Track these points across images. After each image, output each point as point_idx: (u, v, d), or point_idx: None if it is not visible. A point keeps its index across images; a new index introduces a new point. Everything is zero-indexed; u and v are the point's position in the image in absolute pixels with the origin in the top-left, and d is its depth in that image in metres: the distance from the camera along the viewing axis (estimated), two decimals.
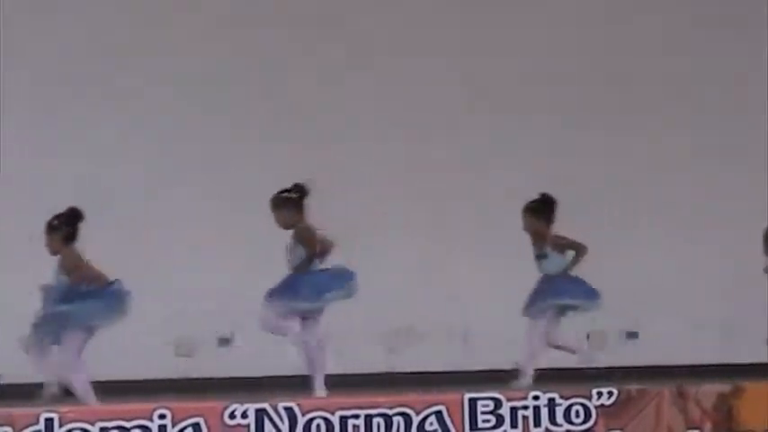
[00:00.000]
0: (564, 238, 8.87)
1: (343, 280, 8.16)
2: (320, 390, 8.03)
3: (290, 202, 8.20)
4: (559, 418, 7.00)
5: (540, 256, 8.90)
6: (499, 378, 8.59)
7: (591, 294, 8.84)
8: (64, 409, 6.28)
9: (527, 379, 8.60)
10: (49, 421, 6.15)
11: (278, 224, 8.23)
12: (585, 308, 8.92)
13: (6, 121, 9.82)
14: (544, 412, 6.98)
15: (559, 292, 8.82)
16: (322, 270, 8.20)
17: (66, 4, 10.23)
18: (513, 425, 6.88)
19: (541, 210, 8.90)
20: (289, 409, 6.57)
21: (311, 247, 8.14)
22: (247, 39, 10.41)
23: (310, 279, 8.10)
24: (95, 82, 10.12)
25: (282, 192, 8.25)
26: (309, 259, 8.15)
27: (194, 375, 9.76)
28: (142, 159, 10.14)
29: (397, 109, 10.72)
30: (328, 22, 10.63)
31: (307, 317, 8.15)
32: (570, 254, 8.90)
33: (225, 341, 10.29)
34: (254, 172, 10.15)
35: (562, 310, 8.87)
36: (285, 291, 8.13)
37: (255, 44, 10.41)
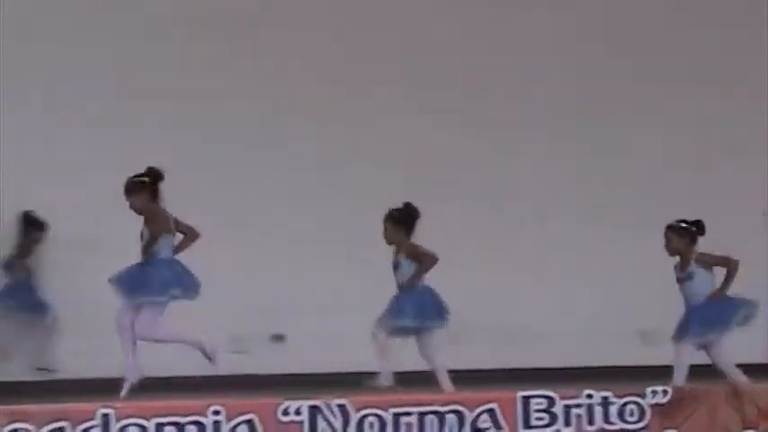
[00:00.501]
0: (417, 248, 8.48)
1: (187, 278, 7.94)
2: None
3: (142, 187, 8.00)
4: (613, 416, 6.97)
5: (395, 265, 8.56)
6: (552, 377, 8.56)
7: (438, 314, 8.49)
8: (119, 404, 6.33)
9: (384, 379, 8.36)
10: (105, 417, 6.20)
11: (132, 209, 8.02)
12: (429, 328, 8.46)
13: None
14: (598, 411, 6.95)
15: (402, 311, 8.47)
16: (170, 262, 7.97)
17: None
18: (567, 423, 6.86)
19: (402, 220, 8.58)
20: (342, 407, 6.58)
21: (156, 230, 7.89)
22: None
23: (155, 272, 7.90)
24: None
25: (135, 176, 8.06)
26: (150, 243, 7.92)
27: (249, 372, 9.82)
28: None
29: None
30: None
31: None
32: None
33: (278, 338, 10.34)
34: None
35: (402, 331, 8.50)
36: (136, 284, 7.93)
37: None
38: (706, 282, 8.46)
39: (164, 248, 8.00)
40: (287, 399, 6.55)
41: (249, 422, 6.41)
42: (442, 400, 6.78)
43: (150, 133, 10.21)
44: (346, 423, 6.55)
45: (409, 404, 6.69)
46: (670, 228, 8.61)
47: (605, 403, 6.97)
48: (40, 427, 6.09)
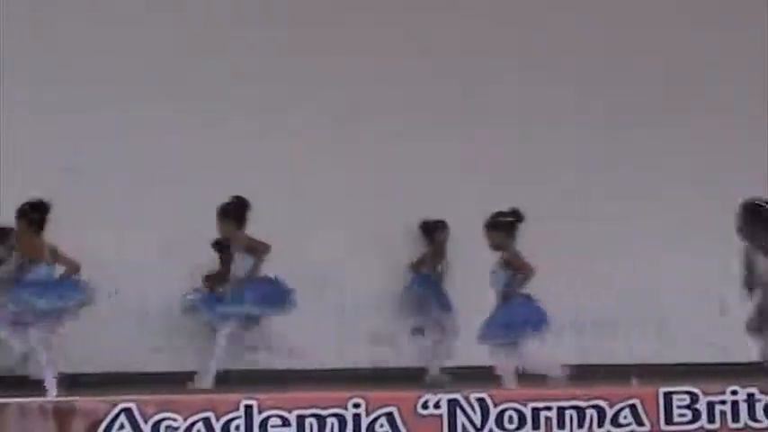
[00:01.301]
0: (250, 240, 8.76)
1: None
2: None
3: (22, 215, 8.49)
4: (759, 413, 6.81)
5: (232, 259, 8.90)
6: (696, 372, 8.43)
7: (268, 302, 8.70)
8: (262, 396, 6.45)
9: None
10: (248, 408, 6.33)
11: None
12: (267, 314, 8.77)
13: None
14: (743, 407, 6.80)
15: (240, 300, 8.72)
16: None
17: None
18: (711, 420, 6.73)
19: (231, 213, 8.82)
20: (481, 400, 6.58)
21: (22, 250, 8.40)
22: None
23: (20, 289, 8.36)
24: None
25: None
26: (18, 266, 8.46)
27: (389, 365, 9.89)
28: None
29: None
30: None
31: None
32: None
33: (418, 330, 10.40)
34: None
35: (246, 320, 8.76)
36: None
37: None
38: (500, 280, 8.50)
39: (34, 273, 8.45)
40: (426, 392, 6.59)
41: (389, 415, 6.46)
42: (582, 395, 6.71)
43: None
44: (485, 417, 6.55)
45: (549, 399, 6.65)
46: (487, 224, 8.61)
47: (751, 400, 6.81)
48: (186, 417, 6.26)
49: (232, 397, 6.41)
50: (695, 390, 6.79)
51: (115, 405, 6.21)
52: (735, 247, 10.26)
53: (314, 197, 9.85)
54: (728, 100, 10.86)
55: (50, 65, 10.13)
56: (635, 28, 10.97)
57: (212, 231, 9.53)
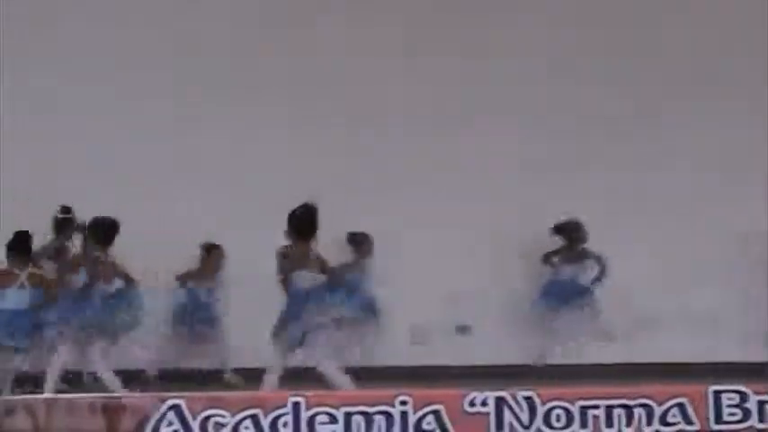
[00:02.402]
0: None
1: None
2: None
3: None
4: None
5: None
6: (744, 371, 8.35)
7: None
8: (310, 393, 6.46)
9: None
10: (296, 405, 6.34)
11: None
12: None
13: None
14: None
15: None
16: None
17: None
18: (761, 419, 6.66)
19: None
20: (528, 399, 6.55)
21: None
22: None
23: None
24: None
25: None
26: None
27: (432, 363, 9.89)
28: None
29: None
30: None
31: None
32: None
33: (463, 329, 10.39)
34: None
35: None
36: None
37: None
38: None
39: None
40: (473, 390, 6.58)
41: (436, 413, 6.45)
42: (630, 393, 6.67)
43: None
44: (533, 415, 6.52)
45: (597, 397, 6.61)
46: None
47: None
48: (234, 413, 6.28)
49: (280, 394, 6.43)
50: (745, 389, 6.73)
51: (164, 401, 6.24)
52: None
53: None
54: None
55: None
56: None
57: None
